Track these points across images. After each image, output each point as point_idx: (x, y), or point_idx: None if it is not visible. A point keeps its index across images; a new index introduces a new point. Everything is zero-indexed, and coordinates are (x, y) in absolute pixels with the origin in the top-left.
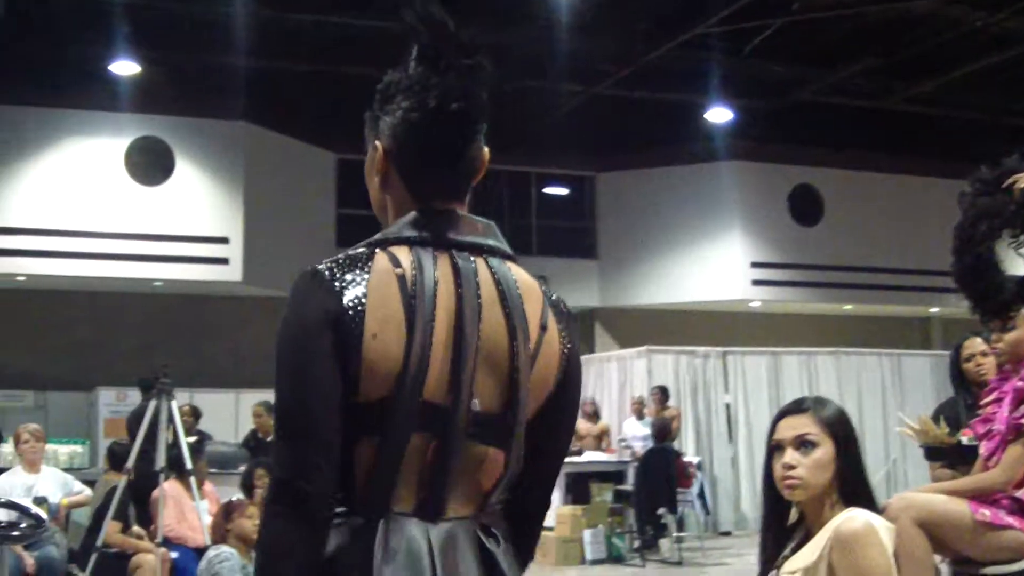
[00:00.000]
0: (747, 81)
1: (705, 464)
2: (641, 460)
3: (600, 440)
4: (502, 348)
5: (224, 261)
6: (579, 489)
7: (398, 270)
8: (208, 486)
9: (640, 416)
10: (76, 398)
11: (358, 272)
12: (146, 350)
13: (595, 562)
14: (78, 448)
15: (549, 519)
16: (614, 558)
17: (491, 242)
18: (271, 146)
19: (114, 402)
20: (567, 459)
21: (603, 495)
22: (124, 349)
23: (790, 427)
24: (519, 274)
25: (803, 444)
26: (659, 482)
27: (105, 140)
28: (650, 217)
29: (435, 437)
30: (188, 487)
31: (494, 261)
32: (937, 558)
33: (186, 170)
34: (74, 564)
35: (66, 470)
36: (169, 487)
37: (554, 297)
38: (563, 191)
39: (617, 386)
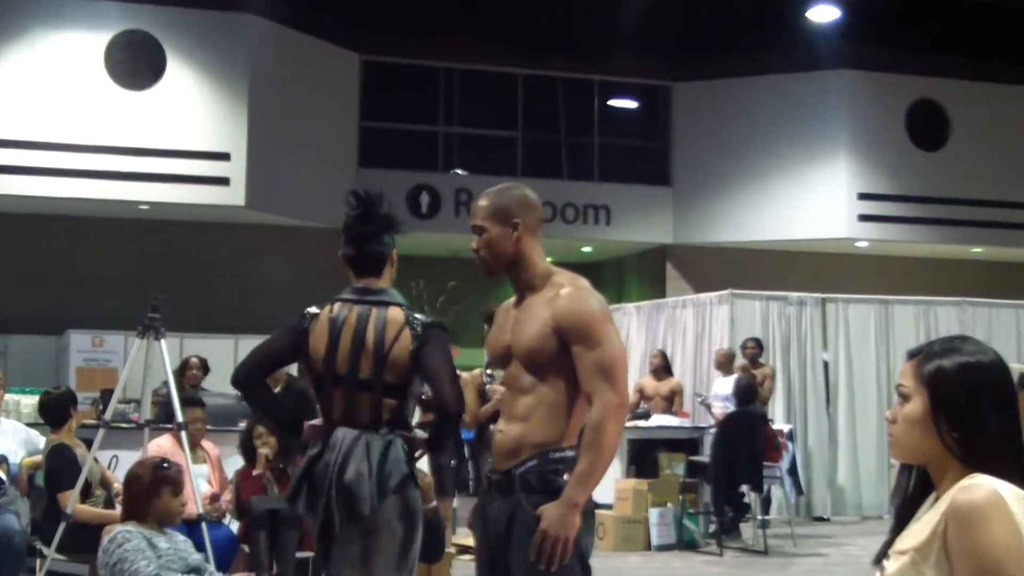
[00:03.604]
0: None
1: (798, 434)
2: (720, 426)
3: (671, 401)
4: (371, 349)
5: (224, 182)
6: (644, 460)
7: (332, 315)
8: (208, 445)
9: (727, 372)
10: (43, 342)
11: (313, 313)
12: (129, 287)
13: (662, 548)
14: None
15: (607, 494)
16: (685, 544)
17: (381, 298)
18: (282, 43)
19: (89, 348)
20: (629, 424)
21: (674, 467)
22: (102, 286)
23: (900, 376)
24: (391, 313)
25: (900, 395)
26: (742, 453)
27: (82, 34)
28: (736, 137)
29: (342, 387)
30: (180, 445)
31: (381, 308)
32: None
33: (179, 71)
34: (36, 537)
35: (30, 425)
36: (156, 445)
37: (414, 321)
38: (631, 104)
39: (693, 337)
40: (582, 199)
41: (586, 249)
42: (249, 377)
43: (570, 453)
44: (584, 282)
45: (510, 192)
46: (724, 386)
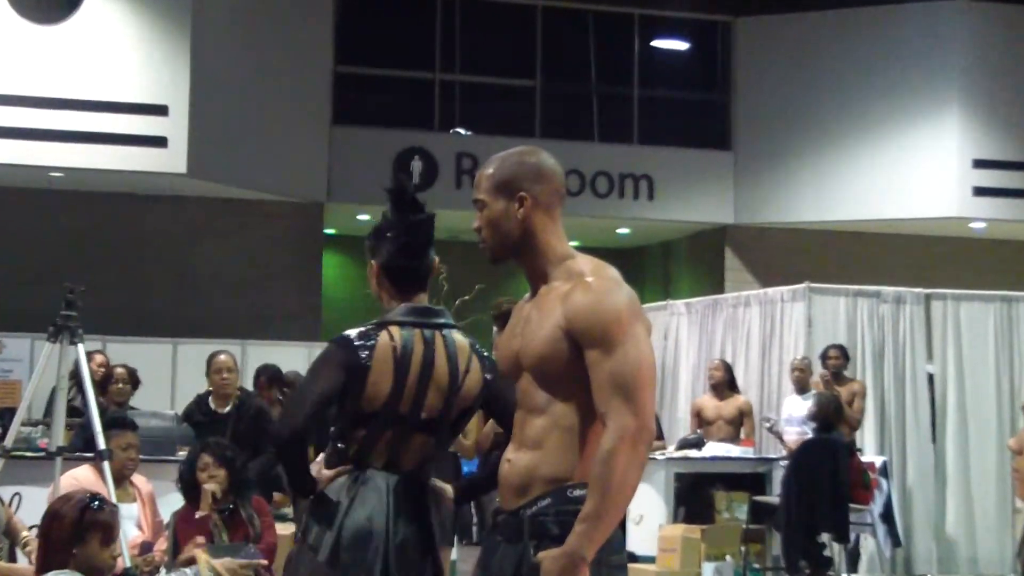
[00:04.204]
0: None
1: (894, 468)
2: (794, 457)
3: (738, 425)
4: (443, 383)
5: (159, 143)
6: (697, 500)
7: (393, 343)
8: (138, 479)
9: (803, 389)
10: None
11: (368, 342)
12: (36, 276)
13: None
14: None
15: (649, 544)
16: None
17: (441, 320)
18: None
19: None
20: (677, 454)
21: (734, 510)
22: (1, 275)
23: None
24: (457, 337)
25: None
26: (822, 493)
27: None
28: (814, 88)
29: (397, 428)
30: (103, 479)
31: (445, 331)
32: None
33: (102, 1)
34: None
35: None
36: (71, 479)
37: (477, 347)
38: (681, 45)
39: (758, 343)
40: (618, 167)
41: (622, 231)
42: (308, 431)
43: None
44: (610, 271)
45: (521, 158)
46: (799, 407)
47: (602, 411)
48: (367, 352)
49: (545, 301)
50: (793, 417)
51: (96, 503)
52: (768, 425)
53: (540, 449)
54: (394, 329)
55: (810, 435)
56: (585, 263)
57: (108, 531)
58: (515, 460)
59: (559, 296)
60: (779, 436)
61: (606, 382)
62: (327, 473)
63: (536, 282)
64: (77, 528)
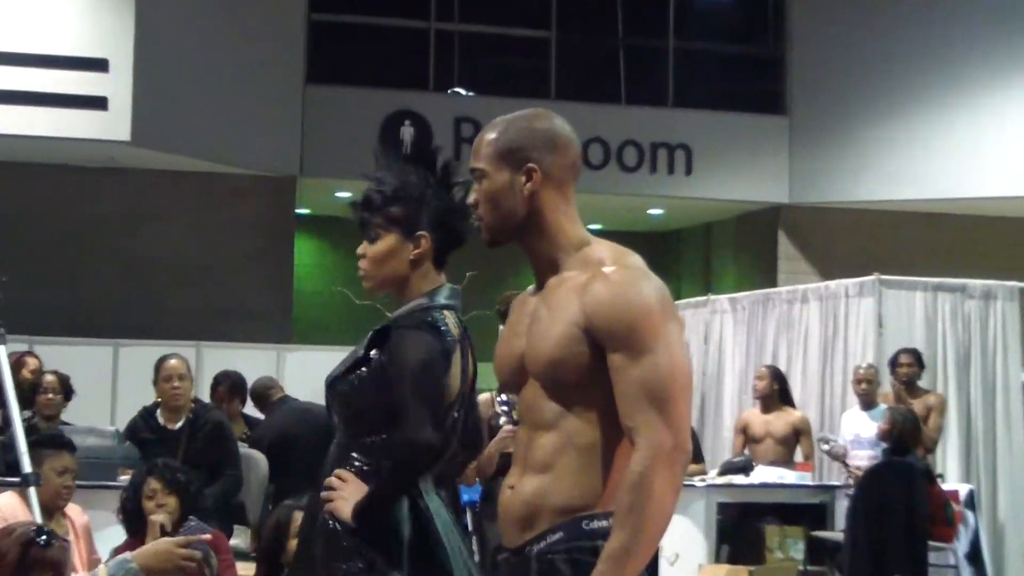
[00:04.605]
0: None
1: (982, 499)
2: (861, 485)
3: (791, 444)
4: (471, 377)
5: (98, 104)
6: (744, 535)
7: (458, 329)
8: (72, 509)
9: (870, 404)
10: None
11: (445, 328)
12: None
13: None
14: None
15: None
16: None
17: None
18: None
19: None
20: (719, 481)
21: (789, 547)
22: None
23: None
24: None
25: None
26: (894, 527)
27: None
28: (889, 40)
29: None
30: (29, 508)
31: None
32: None
33: None
34: None
35: None
36: None
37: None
38: None
39: (817, 346)
40: (649, 135)
41: (655, 211)
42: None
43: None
44: (634, 259)
45: (531, 123)
46: (865, 424)
47: (629, 426)
48: (450, 342)
49: (556, 294)
50: (860, 438)
51: (43, 538)
52: (827, 447)
53: (549, 472)
54: (449, 315)
55: (879, 459)
56: (604, 250)
57: (58, 572)
58: (519, 486)
59: (575, 288)
60: (841, 460)
61: (635, 392)
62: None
63: (544, 272)
64: (20, 569)
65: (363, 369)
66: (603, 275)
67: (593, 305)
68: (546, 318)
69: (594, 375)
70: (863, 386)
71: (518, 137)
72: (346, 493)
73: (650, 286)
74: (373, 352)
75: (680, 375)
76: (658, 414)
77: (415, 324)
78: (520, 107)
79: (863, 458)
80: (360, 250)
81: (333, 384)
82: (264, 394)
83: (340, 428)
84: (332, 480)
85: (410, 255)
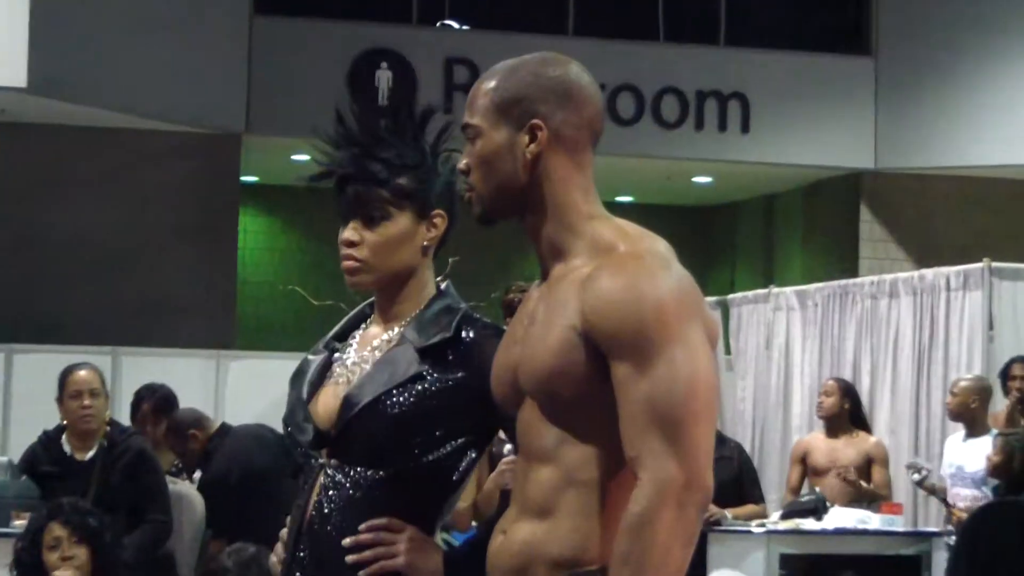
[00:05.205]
0: None
1: None
2: (965, 531)
3: (864, 479)
4: None
5: None
6: None
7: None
8: None
9: (976, 428)
10: None
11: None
12: None
13: None
14: None
15: None
16: None
17: None
18: None
19: None
20: (782, 526)
21: None
22: None
23: None
24: None
25: None
26: None
27: None
28: None
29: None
30: None
31: None
32: None
33: None
34: None
35: None
36: None
37: None
38: None
39: (911, 351)
40: (695, 82)
41: (701, 180)
42: None
43: None
44: (655, 243)
45: (539, 68)
46: (970, 454)
47: (632, 455)
48: None
49: (558, 289)
50: (964, 471)
51: None
52: (917, 476)
53: (548, 517)
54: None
55: (988, 497)
56: (619, 232)
57: None
58: (512, 532)
59: (577, 281)
60: (937, 494)
61: (640, 412)
62: None
63: (548, 259)
64: None
65: (419, 387)
66: (610, 265)
67: (595, 303)
68: (544, 319)
69: (597, 392)
70: (957, 401)
71: (522, 86)
72: (407, 546)
73: (668, 278)
74: (426, 367)
75: (700, 391)
76: (666, 441)
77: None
78: (529, 46)
79: (966, 498)
80: (350, 235)
81: (376, 405)
82: (186, 434)
83: (355, 462)
84: (383, 535)
85: (424, 240)
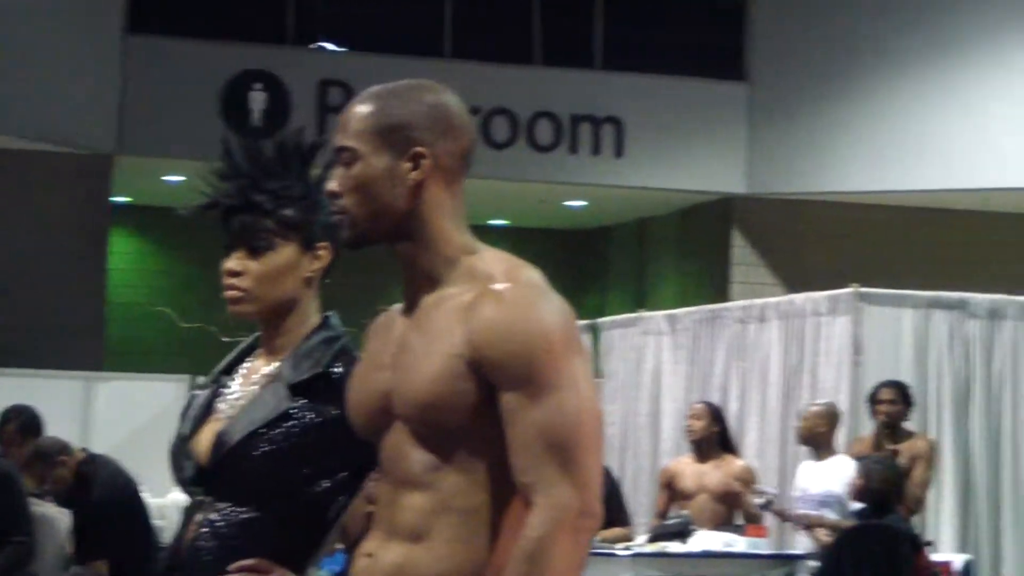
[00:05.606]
0: None
1: (983, 572)
2: (830, 555)
3: (730, 502)
4: None
5: None
6: None
7: None
8: None
9: (822, 451)
10: None
11: None
12: None
13: None
14: None
15: None
16: None
17: None
18: None
19: None
20: (648, 548)
21: None
22: None
23: None
24: None
25: None
26: None
27: None
28: None
29: None
30: None
31: None
32: None
33: None
34: None
35: None
36: None
37: None
38: None
39: (780, 376)
40: (570, 105)
41: (574, 203)
42: None
43: None
44: (531, 274)
45: (420, 96)
46: (816, 477)
47: (526, 482)
48: None
49: (434, 317)
50: (808, 493)
51: None
52: (760, 501)
53: (423, 541)
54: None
55: (853, 520)
56: (494, 261)
57: None
58: (380, 555)
59: (458, 309)
60: (787, 518)
61: (533, 440)
62: None
63: (417, 287)
64: None
65: (289, 424)
66: (494, 294)
67: (483, 332)
68: (420, 347)
69: (480, 420)
70: (813, 430)
71: (406, 112)
72: None
73: (552, 309)
74: (296, 404)
75: (589, 420)
76: (562, 468)
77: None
78: (404, 68)
79: (834, 520)
80: (234, 265)
81: (246, 443)
82: (55, 460)
83: (228, 500)
84: None
85: (308, 271)
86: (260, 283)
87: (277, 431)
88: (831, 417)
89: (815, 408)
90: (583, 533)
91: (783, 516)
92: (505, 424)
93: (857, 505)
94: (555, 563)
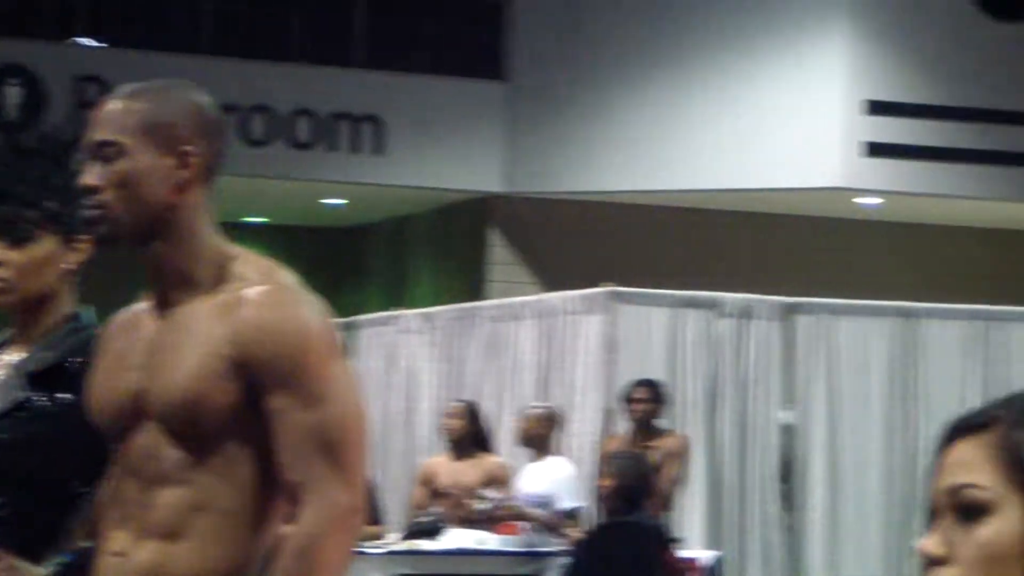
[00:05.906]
0: None
1: (732, 569)
2: (576, 552)
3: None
4: None
5: None
6: None
7: None
8: None
9: (541, 452)
10: None
11: None
12: None
13: None
14: None
15: None
16: None
17: None
18: None
19: None
20: (400, 546)
21: None
22: None
23: (949, 470)
24: None
25: (963, 505)
26: None
27: None
28: None
29: None
30: None
31: None
32: None
33: None
34: None
35: None
36: None
37: None
38: None
39: (534, 373)
40: (329, 103)
41: (333, 201)
42: None
43: None
44: (286, 276)
45: (187, 95)
46: (535, 477)
47: (295, 481)
48: None
49: (190, 317)
50: (527, 494)
51: None
52: (482, 506)
53: (180, 539)
54: None
55: (601, 518)
56: (249, 263)
57: None
58: (133, 554)
59: (217, 310)
60: (527, 518)
61: (302, 440)
62: None
63: (170, 286)
64: None
65: (25, 414)
66: (255, 296)
67: (247, 332)
68: (177, 347)
69: (239, 420)
70: (531, 432)
71: (172, 110)
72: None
73: (314, 311)
74: (34, 394)
75: (356, 420)
76: (332, 467)
77: None
78: (162, 64)
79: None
80: None
81: None
82: None
83: None
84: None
85: (66, 264)
86: (21, 274)
87: (12, 421)
88: (550, 419)
89: (535, 411)
90: (353, 530)
91: (507, 518)
92: (272, 424)
93: (569, 505)
94: (327, 559)
